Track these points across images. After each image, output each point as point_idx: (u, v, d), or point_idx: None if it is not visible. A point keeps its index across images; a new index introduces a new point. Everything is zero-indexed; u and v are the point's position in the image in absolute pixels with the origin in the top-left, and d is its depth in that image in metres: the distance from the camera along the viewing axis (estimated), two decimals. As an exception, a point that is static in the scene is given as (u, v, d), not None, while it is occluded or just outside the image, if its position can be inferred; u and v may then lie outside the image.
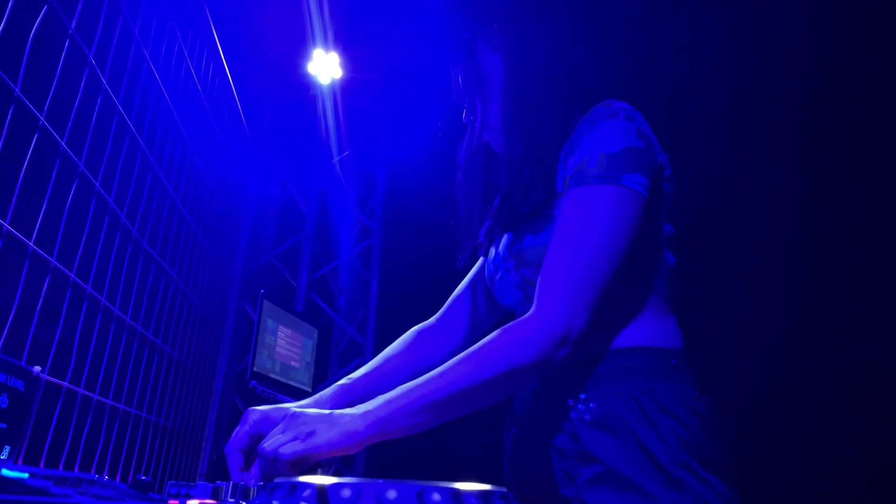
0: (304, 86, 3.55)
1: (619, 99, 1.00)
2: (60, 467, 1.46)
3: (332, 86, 3.49)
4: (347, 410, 0.86)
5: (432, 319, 1.27)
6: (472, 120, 1.14)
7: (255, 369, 2.60)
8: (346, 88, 3.56)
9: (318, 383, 3.28)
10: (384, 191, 3.94)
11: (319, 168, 3.74)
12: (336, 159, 3.69)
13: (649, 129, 0.99)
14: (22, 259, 1.27)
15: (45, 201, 1.31)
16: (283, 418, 0.87)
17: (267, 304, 2.70)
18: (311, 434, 0.82)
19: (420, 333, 1.23)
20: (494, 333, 0.90)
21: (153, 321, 1.97)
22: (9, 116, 1.18)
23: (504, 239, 1.08)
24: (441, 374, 0.87)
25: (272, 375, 2.74)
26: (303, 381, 2.99)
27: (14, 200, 1.21)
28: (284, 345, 2.85)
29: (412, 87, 3.56)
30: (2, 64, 1.15)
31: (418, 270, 3.75)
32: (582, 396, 0.94)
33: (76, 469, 1.49)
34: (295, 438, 0.82)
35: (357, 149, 3.88)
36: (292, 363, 2.91)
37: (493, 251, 1.12)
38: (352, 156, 3.86)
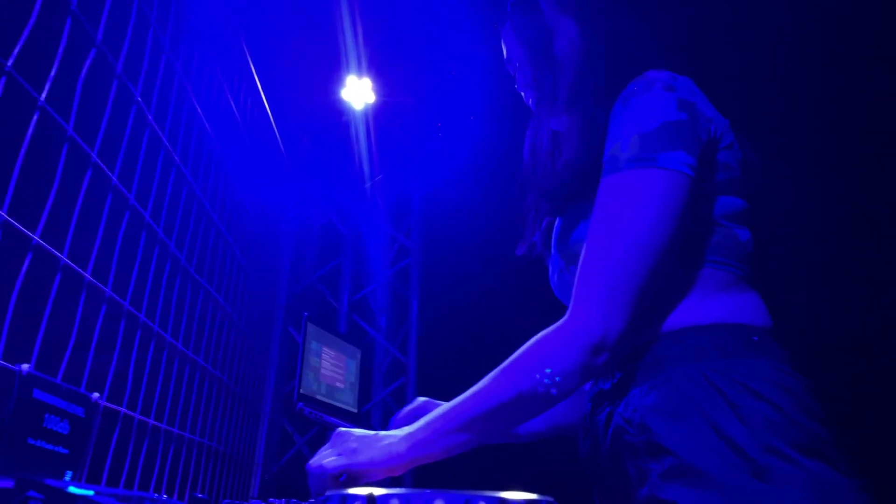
0: (339, 111, 3.62)
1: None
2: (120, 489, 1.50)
3: (366, 110, 3.56)
4: (394, 431, 0.87)
5: None
6: (540, 93, 1.03)
7: (301, 391, 2.64)
8: (380, 112, 3.62)
9: (363, 404, 3.31)
10: (420, 210, 3.98)
11: (357, 191, 3.81)
12: (368, 184, 3.74)
13: (698, 95, 0.89)
14: (79, 290, 1.33)
15: (99, 235, 1.37)
16: (332, 437, 0.89)
17: (311, 327, 2.74)
18: (354, 451, 0.84)
19: None
20: (528, 343, 0.85)
21: (203, 347, 2.02)
22: (63, 155, 1.25)
23: (553, 237, 1.02)
24: (476, 392, 0.85)
25: (318, 397, 2.77)
26: (348, 402, 3.02)
27: (70, 235, 1.27)
28: (329, 366, 2.88)
29: (444, 107, 3.61)
30: (55, 105, 1.21)
31: (456, 287, 3.76)
32: (647, 383, 0.84)
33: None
34: (340, 455, 0.85)
35: (393, 170, 3.94)
36: (337, 384, 2.94)
37: (551, 255, 1.05)
38: (388, 177, 3.92)
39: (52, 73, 1.22)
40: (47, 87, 1.20)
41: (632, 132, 0.85)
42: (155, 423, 1.66)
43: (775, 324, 0.90)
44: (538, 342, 0.85)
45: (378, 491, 0.59)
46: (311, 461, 0.87)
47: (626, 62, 0.96)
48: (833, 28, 2.55)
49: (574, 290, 0.84)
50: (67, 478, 1.26)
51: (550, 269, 1.05)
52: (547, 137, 1.05)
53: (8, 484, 1.12)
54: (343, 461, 0.83)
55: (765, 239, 0.95)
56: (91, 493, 0.64)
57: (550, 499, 0.68)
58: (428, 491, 0.59)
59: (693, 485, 0.75)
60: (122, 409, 1.49)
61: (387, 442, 0.84)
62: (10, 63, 1.10)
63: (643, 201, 0.82)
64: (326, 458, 0.86)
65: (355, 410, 2.97)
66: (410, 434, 0.84)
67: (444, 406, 0.86)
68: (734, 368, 0.80)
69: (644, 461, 0.81)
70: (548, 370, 0.81)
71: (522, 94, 1.10)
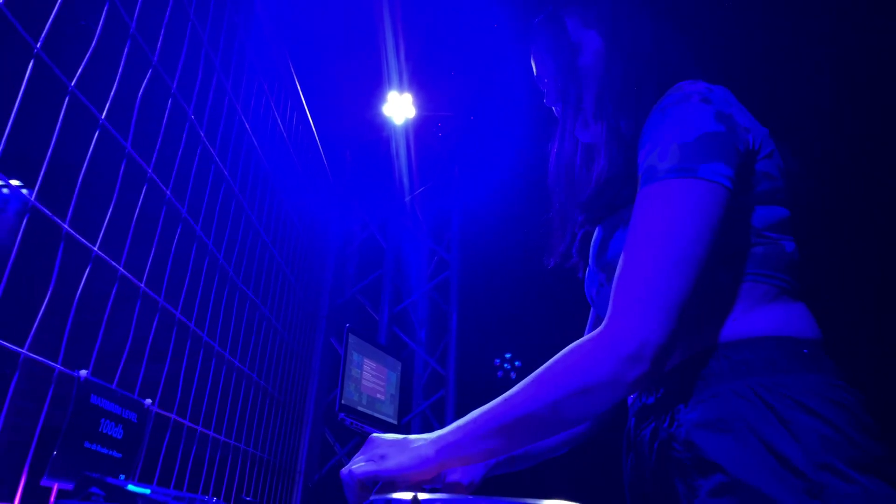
0: (380, 126, 3.69)
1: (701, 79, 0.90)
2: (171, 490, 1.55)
3: (406, 125, 3.61)
4: (423, 435, 0.87)
5: None
6: (564, 105, 1.05)
7: (343, 402, 2.67)
8: (420, 126, 3.67)
9: (404, 415, 3.33)
10: (459, 223, 4.01)
11: (397, 205, 3.86)
12: (408, 197, 3.79)
13: (734, 106, 0.88)
14: (134, 300, 1.39)
15: (154, 247, 1.43)
16: (365, 443, 0.90)
17: (352, 338, 2.78)
18: (383, 457, 0.85)
19: None
20: (562, 352, 0.83)
21: (248, 356, 2.07)
22: (121, 170, 1.31)
23: (591, 250, 1.02)
24: (508, 398, 0.83)
25: (359, 408, 2.80)
26: (388, 413, 3.04)
27: (127, 247, 1.33)
28: (370, 377, 2.91)
29: (483, 121, 3.64)
30: (114, 122, 1.28)
31: (495, 300, 3.77)
32: (693, 398, 0.83)
33: (183, 497, 1.57)
34: (369, 461, 0.86)
35: (433, 184, 3.98)
36: (378, 395, 2.96)
37: (588, 267, 1.05)
38: (428, 191, 3.96)
39: (112, 92, 1.28)
40: (108, 105, 1.26)
41: (670, 142, 0.84)
42: (203, 429, 1.70)
43: (825, 335, 0.88)
44: (571, 351, 0.82)
45: (423, 495, 0.60)
46: (343, 468, 0.88)
47: (653, 72, 0.97)
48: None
49: (611, 301, 0.82)
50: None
51: (587, 281, 1.04)
52: (570, 147, 1.06)
53: (67, 486, 1.17)
54: (372, 467, 0.84)
55: (811, 248, 0.93)
56: (148, 491, 0.67)
57: (591, 509, 0.68)
58: (471, 497, 0.60)
59: (744, 502, 0.74)
60: (173, 416, 1.54)
61: (415, 446, 0.85)
62: (73, 83, 1.17)
63: (683, 212, 0.80)
64: (356, 464, 0.86)
65: (395, 422, 2.99)
66: (440, 437, 0.84)
67: (477, 411, 0.85)
68: (783, 383, 0.78)
69: (692, 478, 0.80)
70: (580, 379, 0.79)
71: (553, 108, 1.12)
